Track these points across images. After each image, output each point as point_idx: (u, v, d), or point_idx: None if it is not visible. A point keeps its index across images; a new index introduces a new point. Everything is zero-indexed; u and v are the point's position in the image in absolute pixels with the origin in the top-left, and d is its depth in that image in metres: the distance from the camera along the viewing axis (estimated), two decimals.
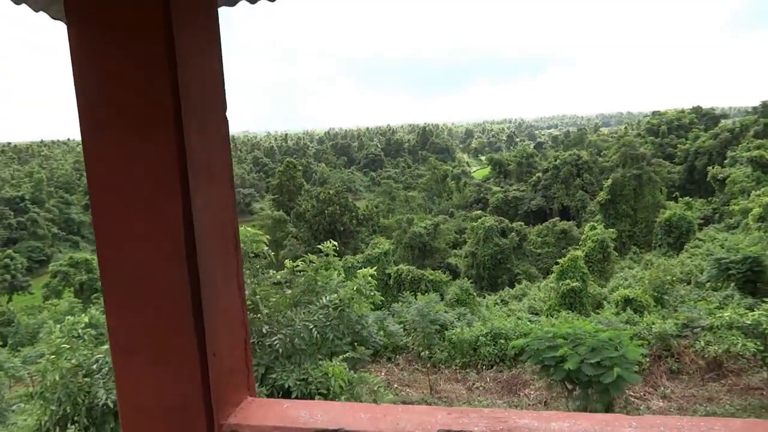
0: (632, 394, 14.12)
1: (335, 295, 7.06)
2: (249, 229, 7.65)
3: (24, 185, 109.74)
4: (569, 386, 11.94)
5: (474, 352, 17.97)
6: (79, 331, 7.03)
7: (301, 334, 6.74)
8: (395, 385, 16.66)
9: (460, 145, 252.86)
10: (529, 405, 14.39)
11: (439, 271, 34.79)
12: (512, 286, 35.68)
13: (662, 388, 14.27)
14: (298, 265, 7.75)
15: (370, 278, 7.25)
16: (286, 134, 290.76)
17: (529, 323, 18.82)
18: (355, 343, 11.23)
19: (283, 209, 66.19)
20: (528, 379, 15.87)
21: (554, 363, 11.21)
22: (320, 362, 6.86)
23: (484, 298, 31.57)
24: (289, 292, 7.47)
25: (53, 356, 6.48)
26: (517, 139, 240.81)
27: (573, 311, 21.45)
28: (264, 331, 7.06)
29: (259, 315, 7.06)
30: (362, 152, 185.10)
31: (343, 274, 9.16)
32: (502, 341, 17.73)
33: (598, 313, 21.94)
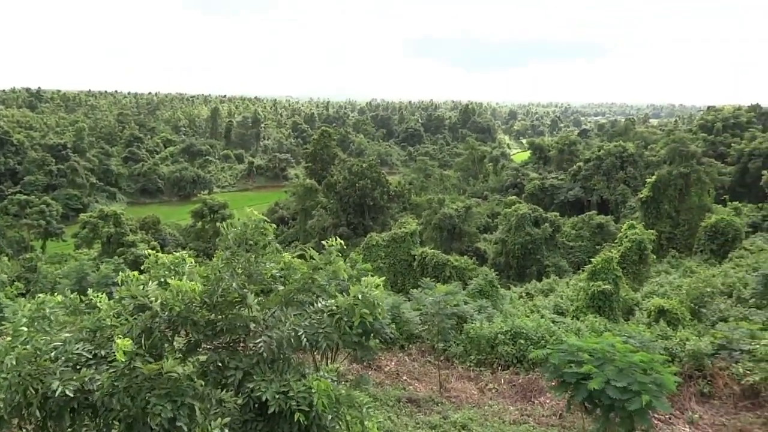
0: (656, 416, 13.09)
1: (332, 301, 6.26)
2: (256, 213, 6.86)
3: (67, 133, 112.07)
4: (588, 405, 10.99)
5: (491, 350, 17.13)
6: (47, 311, 6.47)
7: (290, 339, 6.00)
8: (404, 377, 15.96)
9: (503, 126, 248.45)
10: (543, 416, 13.51)
11: (466, 257, 33.90)
12: (540, 279, 34.49)
13: (690, 413, 13.20)
14: (291, 262, 6.94)
15: (375, 289, 6.38)
16: (328, 102, 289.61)
17: (552, 324, 17.82)
18: (364, 336, 10.46)
19: (315, 178, 65.76)
20: (545, 386, 14.95)
21: (575, 380, 10.27)
22: (306, 373, 6.11)
23: (510, 288, 30.55)
24: (282, 288, 6.70)
25: (10, 339, 5.95)
26: (562, 125, 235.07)
27: (601, 315, 20.29)
28: (251, 328, 6.36)
29: (245, 310, 6.36)
30: (402, 125, 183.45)
31: (352, 269, 8.29)
32: (522, 341, 16.84)
33: (629, 320, 20.77)
